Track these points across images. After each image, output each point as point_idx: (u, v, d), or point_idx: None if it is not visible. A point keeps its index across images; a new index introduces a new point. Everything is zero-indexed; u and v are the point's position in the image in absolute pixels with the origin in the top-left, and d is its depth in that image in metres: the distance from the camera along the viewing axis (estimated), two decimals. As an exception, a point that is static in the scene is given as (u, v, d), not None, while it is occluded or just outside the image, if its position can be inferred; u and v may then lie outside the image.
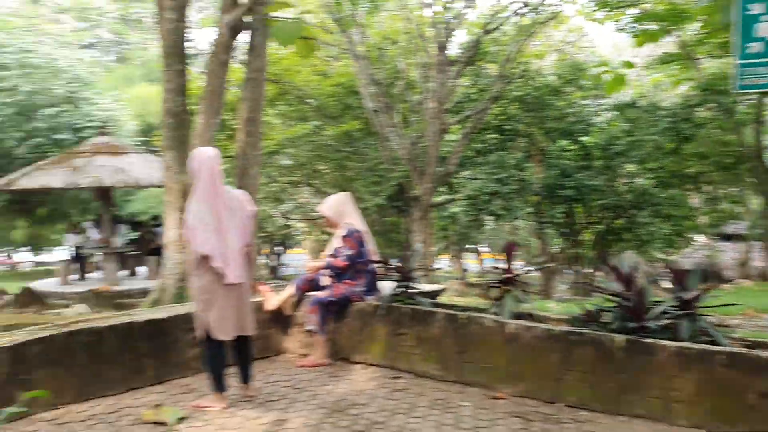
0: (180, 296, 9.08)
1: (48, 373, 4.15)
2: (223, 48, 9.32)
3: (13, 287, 13.87)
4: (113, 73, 33.09)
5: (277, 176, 16.43)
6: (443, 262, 28.54)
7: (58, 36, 32.20)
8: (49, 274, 20.01)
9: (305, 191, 18.15)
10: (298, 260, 29.34)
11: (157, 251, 14.78)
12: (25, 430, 3.71)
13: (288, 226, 19.17)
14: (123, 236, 15.63)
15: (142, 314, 5.01)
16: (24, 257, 33.56)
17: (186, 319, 4.89)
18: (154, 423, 3.84)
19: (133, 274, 15.81)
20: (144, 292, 12.02)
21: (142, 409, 4.10)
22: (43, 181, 13.83)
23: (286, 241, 25.92)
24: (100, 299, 12.34)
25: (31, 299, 12.47)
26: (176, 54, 9.75)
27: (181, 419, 3.89)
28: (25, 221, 25.38)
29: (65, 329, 4.41)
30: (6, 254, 33.12)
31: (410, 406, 4.13)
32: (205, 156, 4.20)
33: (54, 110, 22.05)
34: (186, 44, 9.96)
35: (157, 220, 16.96)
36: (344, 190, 14.31)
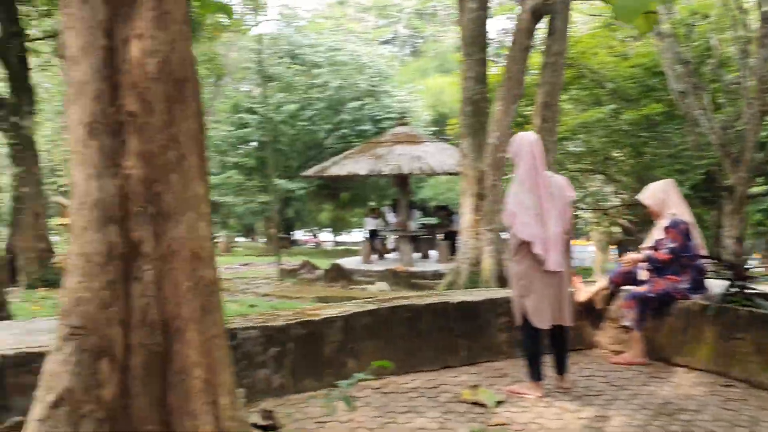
0: (473, 280, 9.25)
1: (373, 344, 4.44)
2: (524, 33, 9.23)
3: (322, 263, 15.42)
4: (408, 66, 35.19)
5: (567, 163, 15.91)
6: (752, 262, 25.38)
7: (361, 33, 35.19)
8: (348, 253, 22.02)
9: (596, 179, 17.34)
10: (582, 252, 28.40)
11: (449, 236, 15.37)
12: (357, 395, 4.02)
13: (575, 216, 18.53)
14: (416, 221, 16.52)
15: (454, 296, 5.15)
16: (326, 237, 37.39)
17: (497, 303, 4.92)
18: (473, 403, 3.89)
19: (425, 256, 16.64)
20: (436, 275, 12.58)
21: (458, 387, 4.19)
22: (350, 168, 15.19)
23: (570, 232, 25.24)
24: (396, 278, 13.17)
25: (338, 275, 13.77)
26: (477, 43, 9.93)
27: (499, 403, 3.89)
28: (331, 205, 28.27)
29: (387, 304, 4.68)
30: (312, 234, 37.14)
31: (752, 420, 3.63)
32: (526, 140, 4.15)
33: (358, 103, 24.16)
34: (486, 33, 10.09)
35: (447, 208, 17.61)
36: (641, 179, 13.24)
